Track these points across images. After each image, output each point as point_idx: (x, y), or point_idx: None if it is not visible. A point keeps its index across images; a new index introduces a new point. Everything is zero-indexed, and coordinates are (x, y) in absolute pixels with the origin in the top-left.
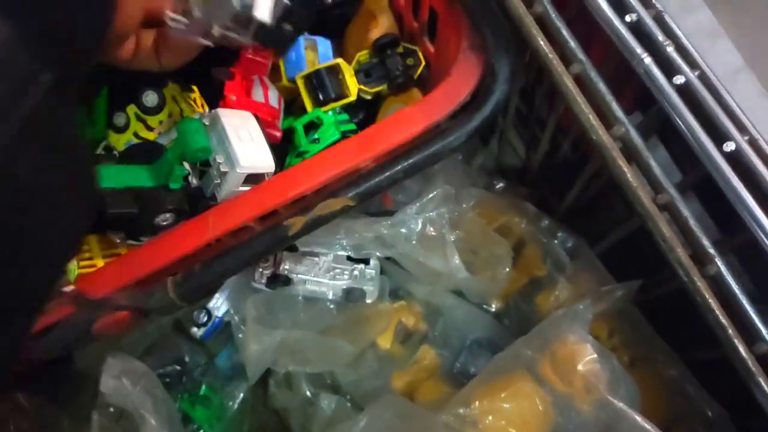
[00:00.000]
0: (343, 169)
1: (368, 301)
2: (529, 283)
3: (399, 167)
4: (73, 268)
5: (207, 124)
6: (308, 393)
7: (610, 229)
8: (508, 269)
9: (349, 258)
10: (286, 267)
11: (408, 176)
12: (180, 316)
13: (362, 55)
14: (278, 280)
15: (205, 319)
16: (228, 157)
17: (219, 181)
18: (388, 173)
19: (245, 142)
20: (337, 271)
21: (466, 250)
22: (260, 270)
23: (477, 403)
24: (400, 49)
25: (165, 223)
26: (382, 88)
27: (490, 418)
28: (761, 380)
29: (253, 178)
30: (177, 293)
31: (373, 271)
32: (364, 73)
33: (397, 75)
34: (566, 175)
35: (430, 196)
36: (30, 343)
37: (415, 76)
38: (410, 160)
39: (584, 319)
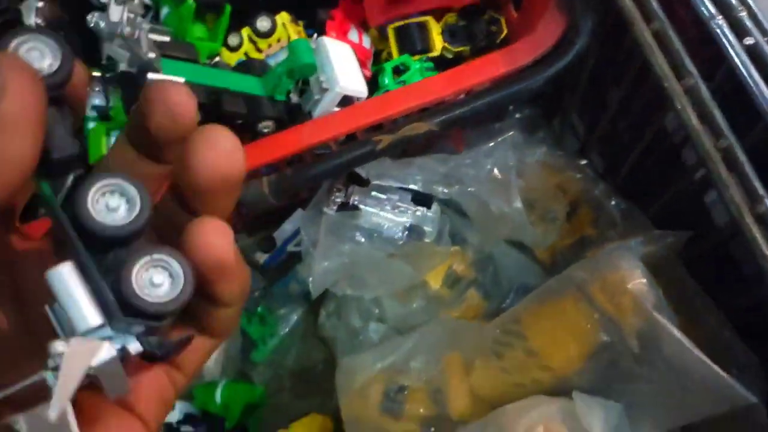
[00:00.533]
0: (429, 100)
1: (426, 240)
2: (580, 240)
3: (481, 101)
4: None
5: (313, 47)
6: (357, 324)
7: (661, 197)
8: (560, 225)
9: (413, 200)
10: (356, 199)
11: (488, 111)
12: (244, 246)
13: (450, 17)
14: (348, 208)
15: (269, 247)
16: (329, 77)
17: (318, 97)
18: (470, 106)
19: (344, 68)
20: (402, 209)
21: (525, 201)
22: (333, 198)
23: (526, 317)
24: (485, 16)
25: (266, 130)
26: (464, 49)
27: (538, 331)
28: None
29: (345, 101)
30: (270, 190)
31: (434, 215)
32: (449, 33)
33: (480, 39)
34: (622, 153)
35: (501, 139)
36: None
37: (497, 41)
38: (492, 96)
39: (636, 251)
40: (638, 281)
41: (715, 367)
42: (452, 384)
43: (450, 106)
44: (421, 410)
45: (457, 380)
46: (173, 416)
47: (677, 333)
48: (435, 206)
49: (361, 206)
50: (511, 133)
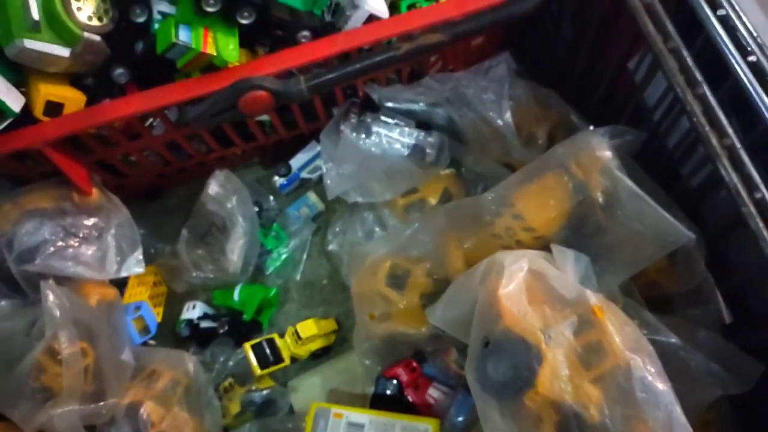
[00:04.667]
0: (440, 19)
1: (427, 160)
2: None
3: (483, 18)
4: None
5: None
6: (360, 240)
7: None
8: (542, 147)
9: (417, 125)
10: (368, 120)
11: (490, 27)
12: (262, 175)
13: None
14: (361, 127)
15: (286, 172)
16: None
17: (349, 13)
18: (475, 22)
19: None
20: (407, 131)
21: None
22: (349, 119)
23: (514, 189)
24: None
25: (304, 40)
26: None
27: (523, 199)
28: None
29: (370, 20)
30: (306, 85)
31: (433, 139)
32: None
33: None
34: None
35: (495, 62)
36: (185, 109)
37: None
38: (493, 15)
39: (605, 133)
40: (604, 151)
41: (662, 211)
42: (450, 254)
43: (458, 22)
44: (422, 283)
45: (454, 250)
46: (194, 314)
47: (632, 185)
48: (435, 133)
49: (373, 127)
50: (505, 54)
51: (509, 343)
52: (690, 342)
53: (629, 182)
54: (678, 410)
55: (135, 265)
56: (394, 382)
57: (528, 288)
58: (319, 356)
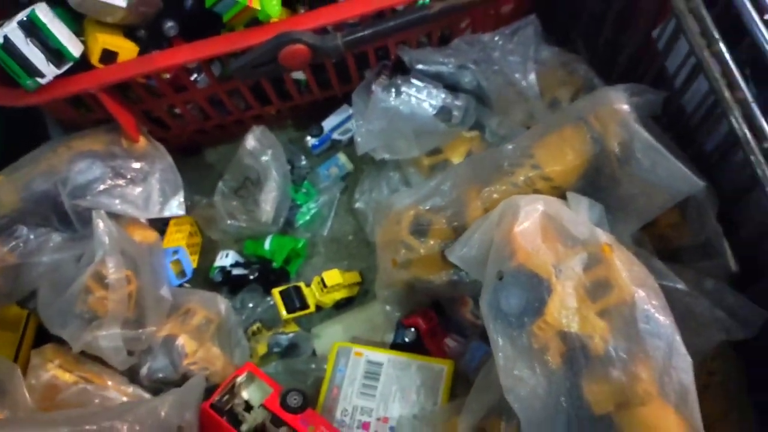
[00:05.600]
0: None
1: (453, 121)
2: None
3: None
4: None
5: None
6: (386, 193)
7: None
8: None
9: (445, 86)
10: (398, 82)
11: None
12: (294, 136)
13: None
14: (391, 88)
15: (318, 132)
16: None
17: None
18: None
19: None
20: (435, 93)
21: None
22: (380, 79)
23: (534, 140)
24: None
25: None
26: None
27: (543, 150)
28: None
29: None
30: (342, 41)
31: (460, 102)
32: None
33: None
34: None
35: (523, 24)
36: (229, 60)
37: None
38: None
39: (624, 90)
40: (623, 104)
41: (676, 161)
42: (470, 203)
43: None
44: (443, 231)
45: (474, 199)
46: (227, 261)
47: (649, 136)
48: (462, 95)
49: (403, 88)
50: (531, 16)
51: (522, 276)
52: (696, 289)
53: (646, 134)
54: (678, 340)
55: (177, 207)
56: (413, 330)
57: (542, 227)
58: (342, 306)
